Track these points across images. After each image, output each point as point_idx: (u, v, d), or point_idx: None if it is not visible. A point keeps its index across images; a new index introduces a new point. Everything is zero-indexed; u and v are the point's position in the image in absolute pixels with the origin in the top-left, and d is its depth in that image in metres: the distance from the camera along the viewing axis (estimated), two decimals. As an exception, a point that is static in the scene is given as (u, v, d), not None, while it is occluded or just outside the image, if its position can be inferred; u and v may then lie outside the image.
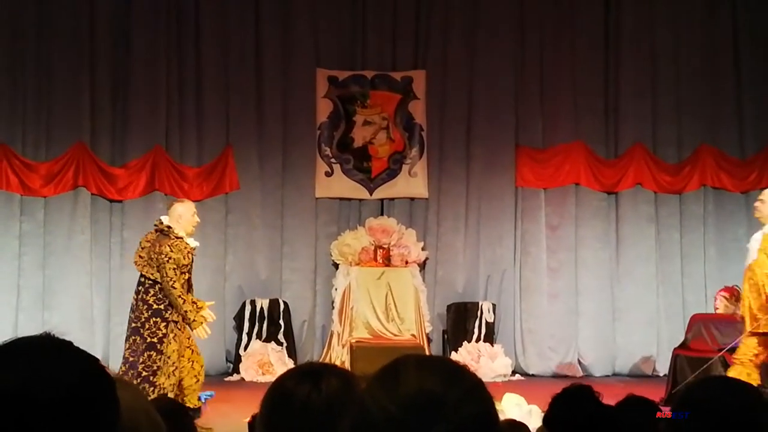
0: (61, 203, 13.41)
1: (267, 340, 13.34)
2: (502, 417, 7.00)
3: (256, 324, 13.47)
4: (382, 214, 14.18)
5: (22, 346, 1.65)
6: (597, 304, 14.11)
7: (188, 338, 9.19)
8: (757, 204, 9.97)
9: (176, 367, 8.94)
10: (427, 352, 13.24)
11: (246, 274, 13.91)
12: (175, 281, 8.97)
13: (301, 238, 14.06)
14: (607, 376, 13.86)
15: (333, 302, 13.73)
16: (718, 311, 12.57)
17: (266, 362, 13.06)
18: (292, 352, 13.47)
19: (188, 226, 9.34)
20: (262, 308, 13.53)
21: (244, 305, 13.56)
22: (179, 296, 8.99)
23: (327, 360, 13.19)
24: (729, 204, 14.40)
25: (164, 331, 8.93)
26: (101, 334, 13.37)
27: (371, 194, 14.21)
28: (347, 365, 12.94)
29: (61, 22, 13.48)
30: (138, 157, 13.63)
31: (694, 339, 11.95)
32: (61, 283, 13.29)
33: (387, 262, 13.81)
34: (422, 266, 14.08)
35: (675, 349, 11.97)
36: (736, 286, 12.89)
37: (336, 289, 13.77)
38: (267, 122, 14.06)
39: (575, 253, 14.17)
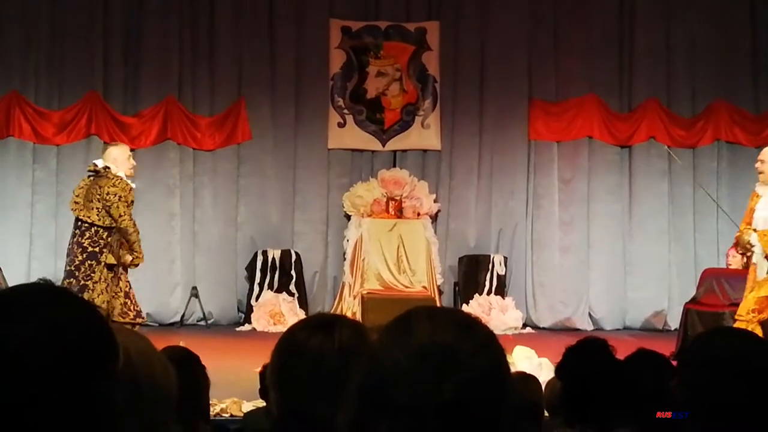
0: (73, 152, 13.41)
1: (278, 290, 13.38)
2: (512, 369, 7.03)
3: (268, 274, 13.49)
4: (394, 166, 14.16)
5: (20, 294, 1.65)
6: (608, 258, 14.10)
7: (120, 281, 9.25)
8: (757, 165, 9.73)
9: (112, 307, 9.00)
10: (438, 304, 13.26)
11: (258, 225, 13.93)
12: (127, 217, 9.05)
13: (313, 189, 14.06)
14: (618, 329, 13.87)
15: (344, 253, 13.76)
16: (730, 267, 12.55)
17: (278, 312, 13.09)
18: (303, 303, 13.51)
19: (125, 169, 9.29)
20: (273, 259, 13.55)
21: (255, 256, 13.59)
22: (133, 232, 9.12)
23: (338, 311, 13.24)
24: (743, 159, 14.30)
25: (98, 274, 8.98)
26: (113, 283, 13.42)
27: (384, 146, 14.18)
28: (358, 316, 12.99)
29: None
30: (151, 106, 13.61)
31: (706, 294, 11.97)
32: (74, 232, 13.32)
33: (399, 213, 13.81)
34: (434, 218, 14.08)
35: (686, 303, 11.98)
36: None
37: (347, 241, 13.78)
38: (280, 73, 14.02)
39: (587, 207, 14.15)
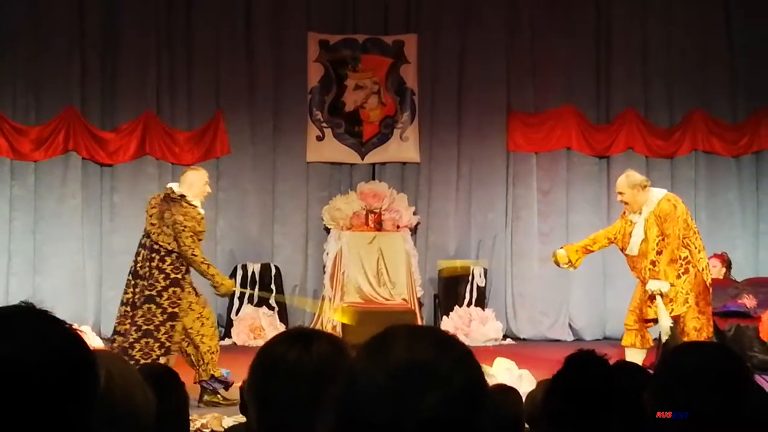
0: (51, 167, 13.38)
1: (258, 304, 13.35)
2: (493, 381, 7.01)
3: (248, 288, 13.48)
4: (373, 179, 14.17)
5: (2, 317, 1.64)
6: (588, 269, 14.04)
7: (203, 307, 9.04)
8: (618, 198, 9.94)
9: (201, 335, 8.84)
10: (419, 317, 13.30)
11: (237, 239, 13.92)
12: (194, 249, 8.77)
13: (292, 202, 14.07)
14: (598, 340, 13.87)
15: (324, 267, 13.75)
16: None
17: (258, 326, 13.08)
18: (283, 317, 13.49)
19: (199, 195, 9.04)
20: (253, 272, 13.53)
21: (235, 270, 13.55)
22: (202, 262, 8.85)
23: (318, 324, 13.23)
24: (720, 168, 14.41)
25: (184, 301, 8.78)
26: (93, 299, 13.41)
27: (363, 158, 14.20)
28: (338, 330, 12.98)
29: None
30: (129, 121, 13.59)
31: (685, 303, 11.97)
32: (52, 248, 13.29)
33: (378, 226, 13.81)
34: (413, 231, 14.09)
35: (665, 313, 11.99)
36: (725, 252, 12.96)
37: (327, 254, 13.78)
38: (258, 86, 14.03)
39: (566, 218, 14.18)
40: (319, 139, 14.11)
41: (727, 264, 12.75)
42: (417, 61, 14.24)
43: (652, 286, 9.48)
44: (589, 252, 10.48)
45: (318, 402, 2.33)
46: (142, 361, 8.34)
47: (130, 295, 8.88)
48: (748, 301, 11.48)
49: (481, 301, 13.67)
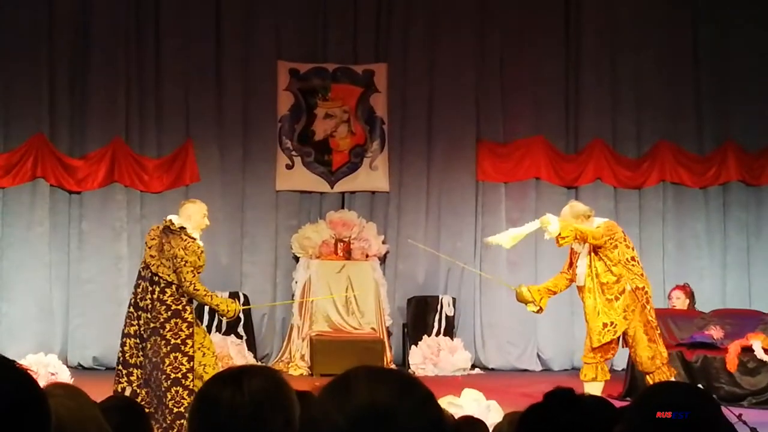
0: (19, 194, 13.30)
1: (227, 333, 13.27)
2: (460, 412, 7.01)
3: (216, 317, 13.41)
4: (342, 208, 14.17)
5: None
6: (556, 299, 14.03)
7: (204, 337, 9.02)
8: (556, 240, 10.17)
9: (203, 365, 8.76)
10: (387, 346, 13.28)
11: (206, 267, 13.81)
12: (195, 284, 8.72)
13: (261, 230, 14.04)
14: (566, 370, 13.91)
15: (293, 295, 13.71)
16: (674, 307, 12.66)
17: (226, 355, 12.99)
18: (251, 346, 13.43)
19: (198, 228, 9.03)
20: (221, 301, 13.46)
21: (203, 298, 13.49)
22: (205, 295, 8.82)
23: (287, 353, 13.21)
24: (688, 199, 14.49)
25: (186, 332, 8.67)
26: (60, 327, 13.32)
27: (332, 187, 14.20)
28: (307, 358, 12.97)
29: (19, 13, 13.36)
30: (97, 148, 13.54)
31: (652, 334, 12.01)
32: (20, 275, 13.20)
33: (347, 255, 13.81)
34: (383, 260, 14.09)
35: (633, 344, 12.02)
36: (687, 283, 13.03)
37: (296, 282, 13.75)
38: (227, 114, 14.02)
39: (535, 247, 14.19)
40: (289, 167, 14.11)
41: (691, 295, 12.82)
42: (387, 90, 14.27)
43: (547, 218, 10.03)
44: (553, 293, 10.64)
45: None
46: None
47: (136, 327, 8.80)
48: (715, 333, 11.52)
49: (449, 331, 13.67)
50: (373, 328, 13.41)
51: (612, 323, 9.97)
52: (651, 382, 9.50)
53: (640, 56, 14.43)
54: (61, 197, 13.54)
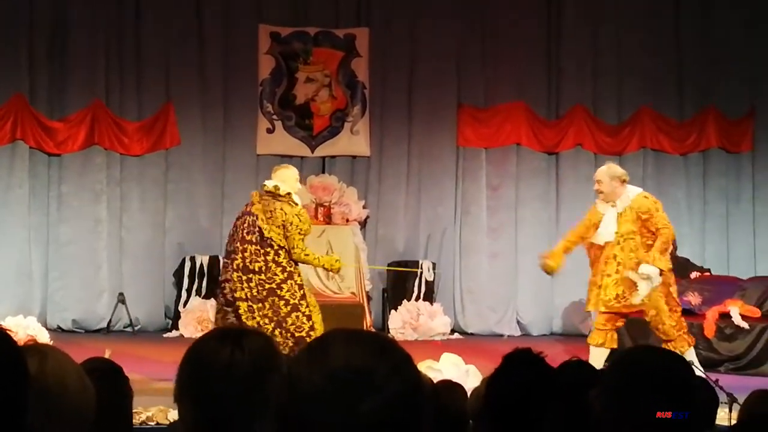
0: (-2, 156, 13.27)
1: (206, 296, 13.27)
2: (439, 377, 7.04)
3: (196, 280, 13.43)
4: (323, 172, 14.16)
5: None
6: (536, 264, 14.17)
7: (310, 297, 9.32)
8: (596, 187, 9.97)
9: (312, 322, 9.06)
10: (367, 311, 13.29)
11: (186, 230, 13.85)
12: (306, 249, 9.07)
13: (242, 194, 13.94)
14: (545, 335, 13.98)
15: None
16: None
17: (205, 319, 13.01)
18: (231, 309, 13.43)
19: (293, 192, 9.27)
20: (201, 264, 13.48)
21: (183, 261, 13.51)
22: (315, 259, 9.22)
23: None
24: (668, 166, 14.52)
25: (300, 293, 9.03)
26: (39, 289, 13.31)
27: (313, 152, 14.18)
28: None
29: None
30: (77, 110, 13.48)
31: (632, 300, 12.05)
32: (-1, 238, 13.19)
33: (328, 219, 13.81)
34: (363, 224, 14.10)
35: (612, 309, 12.07)
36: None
37: (276, 246, 13.74)
38: (208, 78, 13.97)
39: (515, 213, 14.23)
40: (270, 131, 14.07)
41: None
42: (368, 54, 14.23)
43: (645, 269, 9.51)
44: (569, 252, 10.52)
45: (254, 397, 2.33)
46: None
47: (247, 290, 9.07)
48: (693, 299, 11.58)
49: (429, 296, 13.70)
50: (352, 293, 13.42)
51: (624, 296, 9.74)
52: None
53: (623, 22, 14.40)
54: (41, 159, 13.49)
